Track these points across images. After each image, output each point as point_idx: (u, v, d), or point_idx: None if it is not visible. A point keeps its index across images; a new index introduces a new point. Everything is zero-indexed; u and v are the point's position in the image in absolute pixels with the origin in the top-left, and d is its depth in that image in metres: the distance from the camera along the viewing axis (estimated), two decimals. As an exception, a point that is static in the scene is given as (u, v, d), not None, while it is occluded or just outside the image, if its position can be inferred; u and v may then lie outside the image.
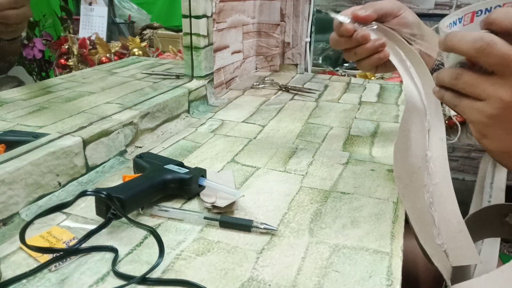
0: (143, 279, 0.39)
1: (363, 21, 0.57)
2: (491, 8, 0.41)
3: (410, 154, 0.46)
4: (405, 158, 0.46)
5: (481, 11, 0.42)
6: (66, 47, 1.02)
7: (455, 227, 0.41)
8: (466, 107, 0.40)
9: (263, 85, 1.08)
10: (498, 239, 0.65)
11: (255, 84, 1.09)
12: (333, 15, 0.58)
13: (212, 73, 0.91)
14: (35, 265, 0.40)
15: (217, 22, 0.97)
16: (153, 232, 0.43)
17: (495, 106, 0.38)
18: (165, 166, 0.54)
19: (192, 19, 0.83)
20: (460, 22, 0.43)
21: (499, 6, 0.41)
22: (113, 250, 0.42)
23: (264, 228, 0.46)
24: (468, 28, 0.43)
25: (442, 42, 0.40)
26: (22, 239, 0.38)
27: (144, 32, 1.17)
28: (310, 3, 1.20)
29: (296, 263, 0.42)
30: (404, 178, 0.45)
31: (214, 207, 0.50)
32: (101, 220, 0.44)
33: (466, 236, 0.41)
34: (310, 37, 1.24)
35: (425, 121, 0.47)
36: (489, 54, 0.36)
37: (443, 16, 0.50)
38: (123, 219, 0.44)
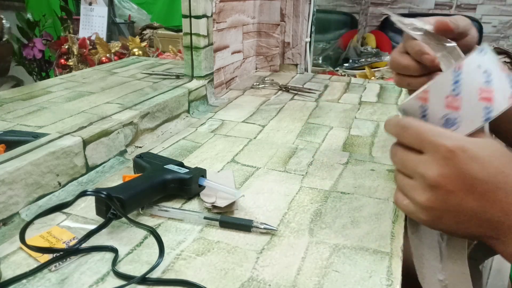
0: (143, 279, 0.39)
1: (448, 33, 0.44)
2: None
3: None
4: None
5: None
6: (66, 47, 1.02)
7: (459, 268, 0.41)
8: (403, 185, 0.39)
9: (263, 85, 1.08)
10: None
11: (255, 84, 1.09)
12: (406, 22, 0.45)
13: (212, 73, 0.91)
14: (35, 265, 0.40)
15: (217, 22, 0.97)
16: (153, 232, 0.43)
17: (424, 185, 0.37)
18: (165, 166, 0.54)
19: (192, 19, 0.83)
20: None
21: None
22: (113, 250, 0.42)
23: (264, 228, 0.46)
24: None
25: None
26: (22, 239, 0.38)
27: (144, 32, 1.18)
28: (310, 3, 1.20)
29: (296, 263, 0.42)
30: None
31: (214, 207, 0.50)
32: (101, 220, 0.44)
33: (467, 279, 0.41)
34: (310, 37, 1.24)
35: None
36: (404, 136, 0.39)
37: (443, 16, 0.49)
38: (123, 219, 0.44)
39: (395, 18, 0.45)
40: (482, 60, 0.38)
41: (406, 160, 0.39)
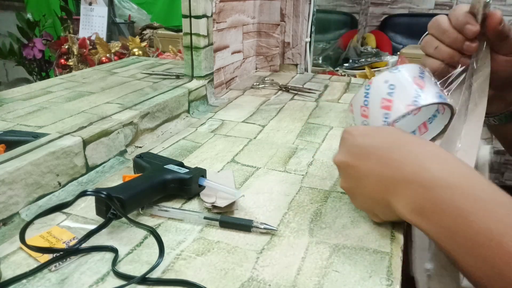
0: (143, 279, 0.39)
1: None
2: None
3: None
4: None
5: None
6: (66, 47, 1.02)
7: (446, 261, 0.42)
8: None
9: (263, 85, 1.08)
10: None
11: (255, 84, 1.09)
12: None
13: (212, 73, 0.91)
14: (35, 265, 0.40)
15: (217, 22, 0.97)
16: (153, 232, 0.43)
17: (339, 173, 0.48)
18: (165, 166, 0.54)
19: (192, 19, 0.83)
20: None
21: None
22: (113, 250, 0.42)
23: (264, 228, 0.46)
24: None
25: None
26: (22, 239, 0.38)
27: (144, 32, 1.18)
28: (310, 3, 1.20)
29: (296, 263, 0.42)
30: None
31: (214, 207, 0.50)
32: (101, 220, 0.44)
33: (453, 269, 0.42)
34: (310, 37, 1.23)
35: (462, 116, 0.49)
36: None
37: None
38: (123, 219, 0.44)
39: None
40: (392, 76, 0.46)
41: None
